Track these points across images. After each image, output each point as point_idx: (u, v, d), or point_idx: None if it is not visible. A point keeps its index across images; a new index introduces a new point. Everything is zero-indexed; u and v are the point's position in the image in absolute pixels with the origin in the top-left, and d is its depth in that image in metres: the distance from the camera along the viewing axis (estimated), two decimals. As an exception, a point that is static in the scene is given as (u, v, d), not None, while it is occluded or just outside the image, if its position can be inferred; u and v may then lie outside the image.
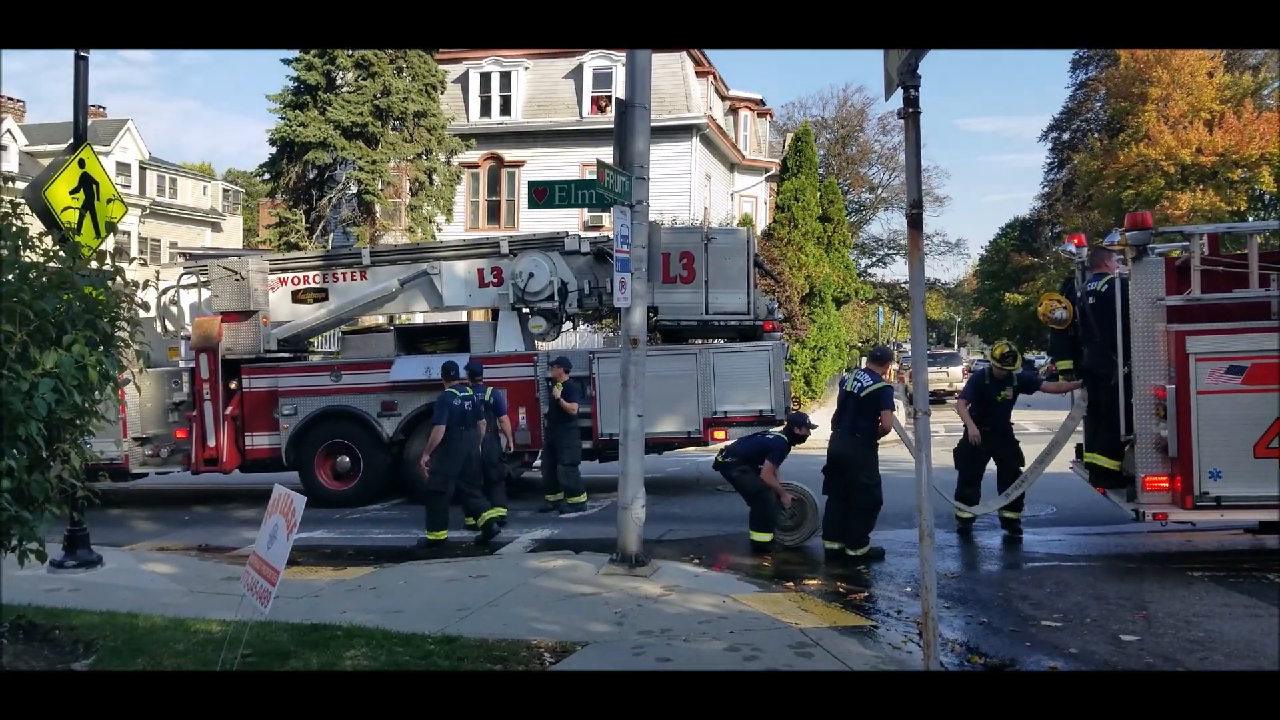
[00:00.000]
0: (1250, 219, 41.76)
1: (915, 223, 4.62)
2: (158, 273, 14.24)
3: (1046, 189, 60.41)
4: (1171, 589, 7.81)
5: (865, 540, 9.15)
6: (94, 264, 5.35)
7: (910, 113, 4.55)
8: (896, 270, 65.72)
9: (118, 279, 5.33)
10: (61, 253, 5.04)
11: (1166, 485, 8.04)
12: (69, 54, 8.12)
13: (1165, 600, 7.47)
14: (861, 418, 9.17)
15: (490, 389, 11.15)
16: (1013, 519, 9.84)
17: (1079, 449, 10.25)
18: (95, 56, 7.53)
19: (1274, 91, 46.66)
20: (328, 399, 13.11)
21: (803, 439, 9.81)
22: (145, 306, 5.85)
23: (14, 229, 4.81)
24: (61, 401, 4.52)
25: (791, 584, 8.21)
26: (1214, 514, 8.07)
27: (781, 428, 10.09)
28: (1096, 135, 52.21)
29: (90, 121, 8.43)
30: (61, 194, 7.84)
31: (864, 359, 10.24)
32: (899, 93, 4.66)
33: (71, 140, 8.32)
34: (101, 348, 4.96)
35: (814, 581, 8.38)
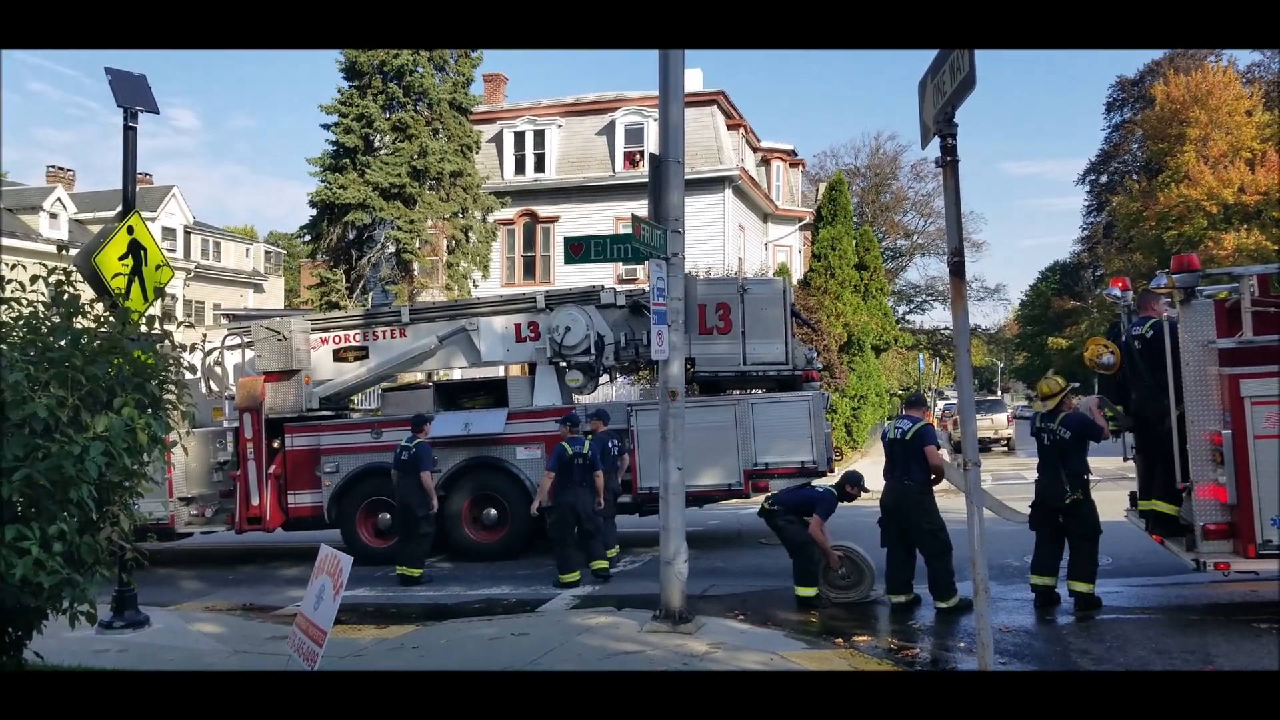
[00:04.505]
0: (1298, 257, 41.05)
1: (957, 271, 4.58)
2: (204, 335, 14.43)
3: (1086, 232, 60.08)
4: (1238, 642, 7.52)
5: (952, 588, 8.82)
6: (142, 328, 5.44)
7: (948, 161, 4.53)
8: (935, 317, 65.43)
9: (165, 343, 5.42)
10: (112, 318, 5.13)
11: (1227, 533, 7.77)
12: (118, 125, 8.34)
13: (1232, 654, 7.20)
14: (911, 462, 9.03)
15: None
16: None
17: (1133, 496, 9.99)
18: (143, 126, 7.75)
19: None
20: (368, 456, 13.15)
21: (852, 499, 9.57)
22: (191, 369, 5.92)
23: (66, 296, 4.91)
24: (112, 464, 4.57)
25: (840, 640, 8.02)
26: (1277, 563, 7.77)
27: (833, 482, 9.86)
28: (1135, 177, 51.83)
29: (137, 188, 8.65)
30: (111, 260, 8.01)
31: (902, 407, 10.01)
32: (935, 141, 4.65)
33: (120, 208, 8.53)
34: (150, 410, 5.03)
35: (864, 637, 8.18)
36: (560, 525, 10.95)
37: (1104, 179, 57.40)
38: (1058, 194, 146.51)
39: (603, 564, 11.16)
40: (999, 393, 65.48)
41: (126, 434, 4.55)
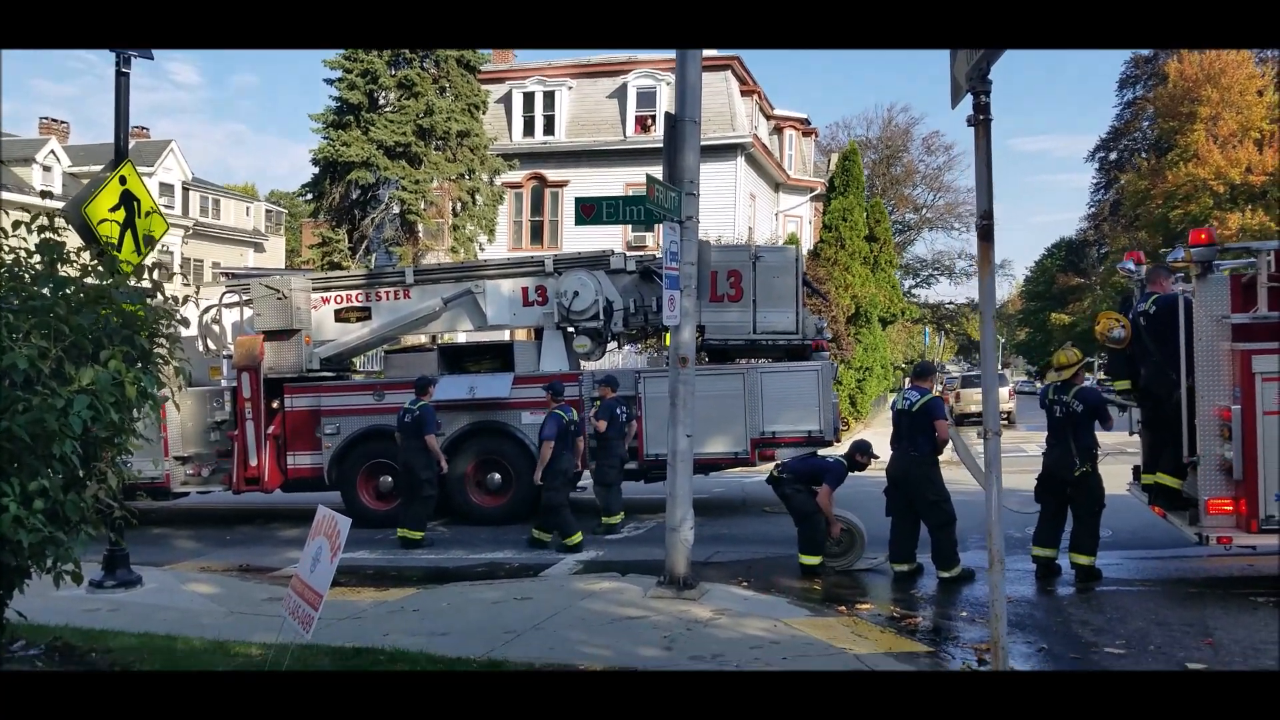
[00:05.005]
0: (1307, 238, 40.62)
1: (986, 234, 4.41)
2: (197, 289, 14.26)
3: (1093, 209, 59.61)
4: (1236, 615, 7.53)
5: (955, 559, 8.87)
6: (134, 280, 5.27)
7: (981, 119, 4.34)
8: (941, 291, 65.37)
9: (157, 295, 5.24)
10: (100, 267, 4.94)
11: (1231, 508, 7.80)
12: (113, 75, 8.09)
13: (1230, 627, 7.19)
14: (917, 434, 8.99)
15: None
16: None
17: (1136, 470, 9.93)
18: (142, 79, 7.55)
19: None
20: (370, 418, 13.03)
21: (863, 467, 9.54)
22: (185, 323, 5.76)
23: (50, 243, 4.72)
24: (98, 419, 4.40)
25: (844, 608, 8.00)
26: (1278, 538, 7.78)
27: (843, 452, 9.80)
28: (1144, 155, 51.37)
29: (133, 143, 8.44)
30: (102, 211, 7.78)
31: (907, 378, 9.97)
32: (966, 101, 4.46)
33: (113, 158, 8.30)
34: (140, 364, 4.85)
35: (866, 605, 8.15)
36: (560, 490, 10.91)
37: (1114, 156, 56.80)
38: (1066, 170, 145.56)
39: (614, 519, 11.85)
40: (1000, 367, 65.34)
41: (114, 388, 4.37)
